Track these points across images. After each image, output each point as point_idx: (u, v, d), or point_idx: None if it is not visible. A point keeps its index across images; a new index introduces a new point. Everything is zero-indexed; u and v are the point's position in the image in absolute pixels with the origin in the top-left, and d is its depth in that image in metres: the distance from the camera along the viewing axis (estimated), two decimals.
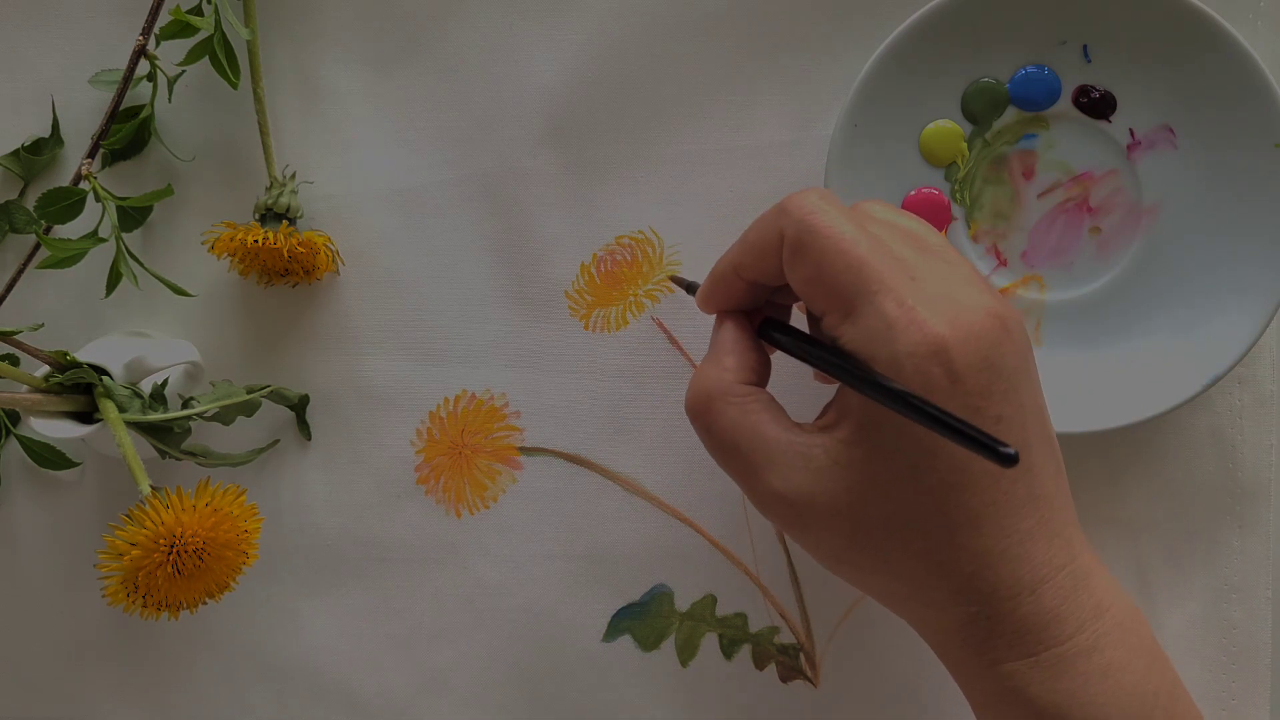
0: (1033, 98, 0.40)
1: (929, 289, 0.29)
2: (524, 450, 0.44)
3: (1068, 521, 0.31)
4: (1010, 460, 0.25)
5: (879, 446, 0.30)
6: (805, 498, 0.30)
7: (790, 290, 0.33)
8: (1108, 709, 0.30)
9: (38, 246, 0.44)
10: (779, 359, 0.36)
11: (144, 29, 0.41)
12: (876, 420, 0.29)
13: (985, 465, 0.29)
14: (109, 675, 0.45)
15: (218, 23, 0.41)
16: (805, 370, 0.32)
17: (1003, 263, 0.41)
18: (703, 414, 0.33)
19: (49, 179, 0.45)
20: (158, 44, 0.41)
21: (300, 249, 0.41)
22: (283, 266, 0.42)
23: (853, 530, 0.30)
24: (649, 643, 0.43)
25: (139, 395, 0.39)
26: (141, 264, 0.41)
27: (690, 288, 0.39)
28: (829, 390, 0.35)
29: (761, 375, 0.34)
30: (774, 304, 0.36)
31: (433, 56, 0.44)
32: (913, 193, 0.41)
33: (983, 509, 0.29)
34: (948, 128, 0.41)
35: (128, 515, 0.35)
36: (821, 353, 0.31)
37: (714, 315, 0.35)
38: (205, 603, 0.37)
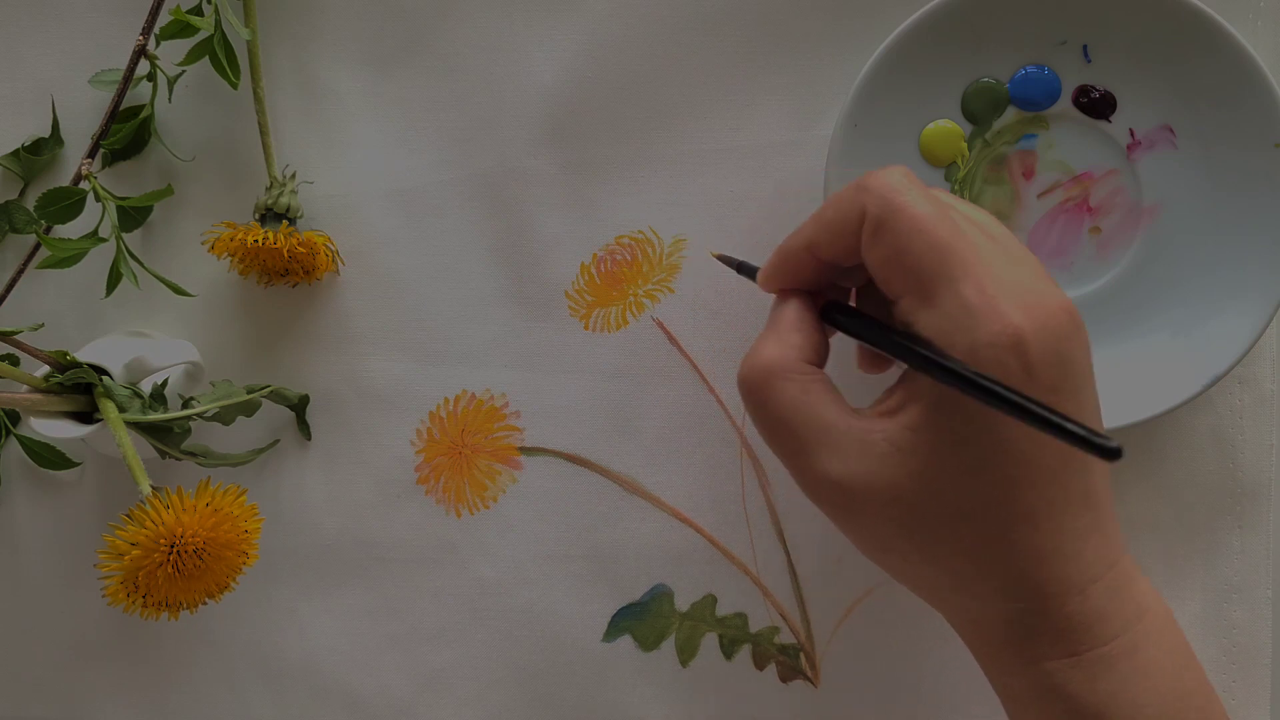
0: (1033, 98, 0.40)
1: (1006, 277, 0.29)
2: (524, 450, 0.44)
3: (1112, 519, 0.31)
4: (1114, 454, 0.24)
5: (947, 435, 0.29)
6: (861, 483, 0.30)
7: (851, 273, 0.33)
8: (1146, 709, 0.29)
9: (38, 246, 0.44)
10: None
11: (144, 29, 0.41)
12: (948, 408, 0.29)
13: (1049, 460, 0.28)
14: (109, 675, 0.45)
15: (218, 23, 0.41)
16: (848, 356, 0.31)
17: None
18: (760, 388, 0.32)
19: (49, 179, 0.45)
20: (158, 44, 0.41)
21: (300, 249, 0.41)
22: (283, 266, 0.42)
23: (907, 519, 0.30)
24: (649, 643, 0.43)
25: (139, 395, 0.39)
26: (141, 264, 0.41)
27: (741, 267, 0.38)
28: (873, 379, 0.35)
29: (823, 357, 0.33)
30: (835, 286, 0.35)
31: (433, 56, 0.44)
32: None
33: (1041, 505, 0.29)
34: (948, 128, 0.41)
35: (128, 515, 0.35)
36: (895, 336, 0.30)
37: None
38: (205, 603, 0.37)
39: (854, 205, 0.30)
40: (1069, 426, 0.25)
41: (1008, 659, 0.31)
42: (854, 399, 0.32)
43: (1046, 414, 0.26)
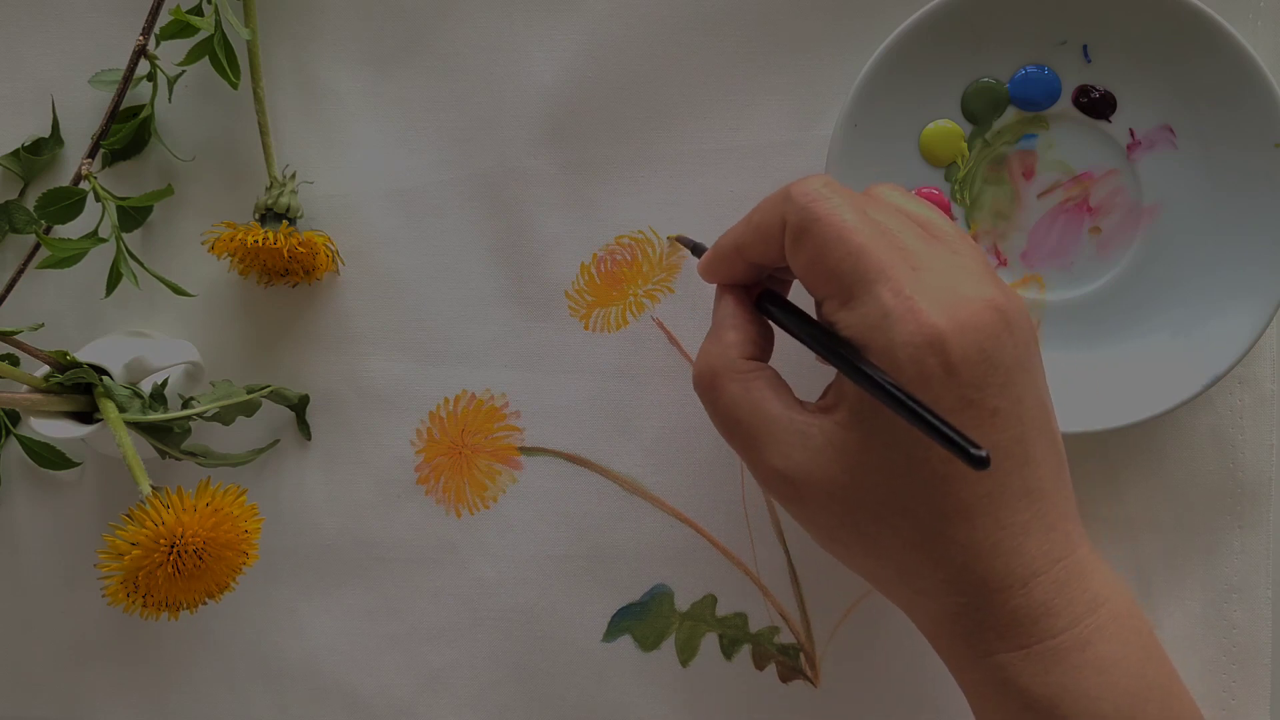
0: (1033, 98, 0.40)
1: (930, 279, 0.29)
2: (524, 450, 0.44)
3: (1065, 515, 0.31)
4: (981, 463, 0.25)
5: (874, 433, 0.30)
6: (802, 475, 0.31)
7: (788, 269, 0.33)
8: (1100, 702, 0.30)
9: (38, 246, 0.44)
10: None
11: (144, 29, 0.41)
12: (872, 407, 0.29)
13: None
14: (109, 675, 0.45)
15: (218, 23, 0.41)
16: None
17: (1003, 263, 0.41)
18: (708, 390, 0.33)
19: (49, 179, 0.45)
20: (158, 44, 0.41)
21: (300, 249, 0.41)
22: (283, 266, 0.42)
23: (845, 512, 0.30)
24: (649, 643, 0.43)
25: (139, 395, 0.39)
26: (141, 264, 0.41)
27: (695, 249, 0.39)
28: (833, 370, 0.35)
29: (763, 349, 0.34)
30: (775, 277, 0.36)
31: (433, 56, 0.44)
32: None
33: (975, 501, 0.29)
34: (948, 128, 0.41)
35: (128, 515, 0.35)
36: (816, 333, 0.31)
37: (714, 286, 0.36)
38: (205, 603, 0.37)
39: (776, 213, 0.31)
40: (945, 430, 0.26)
41: (962, 652, 0.31)
42: (819, 390, 0.33)
43: (925, 413, 0.27)
